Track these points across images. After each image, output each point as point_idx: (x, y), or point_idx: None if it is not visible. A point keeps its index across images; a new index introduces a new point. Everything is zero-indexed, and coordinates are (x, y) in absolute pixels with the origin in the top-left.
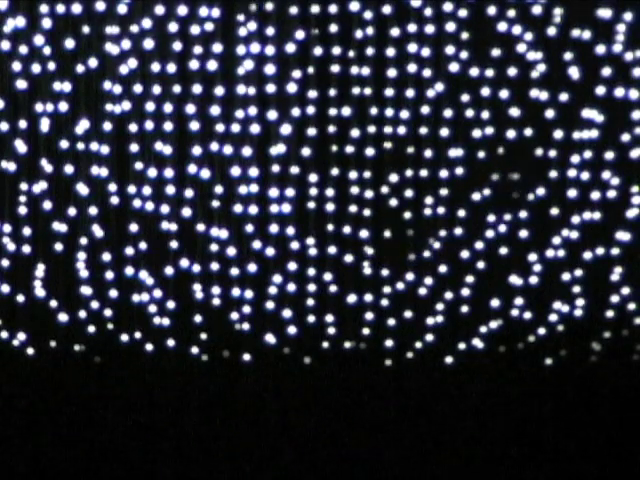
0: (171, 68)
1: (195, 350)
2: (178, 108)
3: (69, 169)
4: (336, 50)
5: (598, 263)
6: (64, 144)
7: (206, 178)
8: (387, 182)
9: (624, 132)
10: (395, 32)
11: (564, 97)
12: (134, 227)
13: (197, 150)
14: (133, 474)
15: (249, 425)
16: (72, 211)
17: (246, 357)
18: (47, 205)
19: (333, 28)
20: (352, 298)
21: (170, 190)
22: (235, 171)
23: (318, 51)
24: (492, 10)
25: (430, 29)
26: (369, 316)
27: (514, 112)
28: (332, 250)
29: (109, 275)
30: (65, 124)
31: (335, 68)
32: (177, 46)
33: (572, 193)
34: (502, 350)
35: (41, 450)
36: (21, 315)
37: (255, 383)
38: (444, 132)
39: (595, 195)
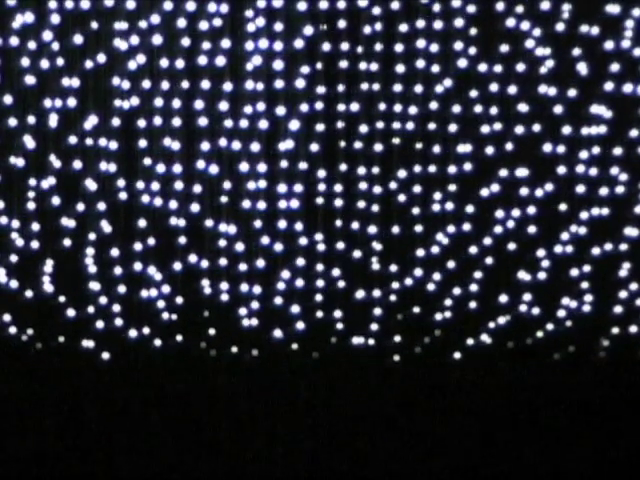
0: (179, 64)
1: (203, 345)
2: (186, 104)
3: (77, 165)
4: (344, 46)
5: (606, 259)
6: (72, 140)
7: (214, 174)
8: (395, 178)
9: (632, 128)
10: (403, 28)
11: (572, 93)
12: (142, 223)
13: (205, 146)
14: (140, 467)
15: (257, 420)
16: (80, 207)
17: (254, 352)
18: (55, 201)
19: (341, 24)
20: (360, 294)
21: (178, 186)
22: (243, 167)
23: (326, 47)
24: (500, 6)
25: (438, 25)
26: (377, 312)
27: (522, 108)
28: (340, 246)
29: (117, 271)
30: (73, 120)
31: (343, 64)
32: (185, 42)
33: (580, 189)
34: (510, 346)
35: (48, 444)
36: (29, 310)
37: (263, 378)
38: (452, 128)
39: (603, 191)
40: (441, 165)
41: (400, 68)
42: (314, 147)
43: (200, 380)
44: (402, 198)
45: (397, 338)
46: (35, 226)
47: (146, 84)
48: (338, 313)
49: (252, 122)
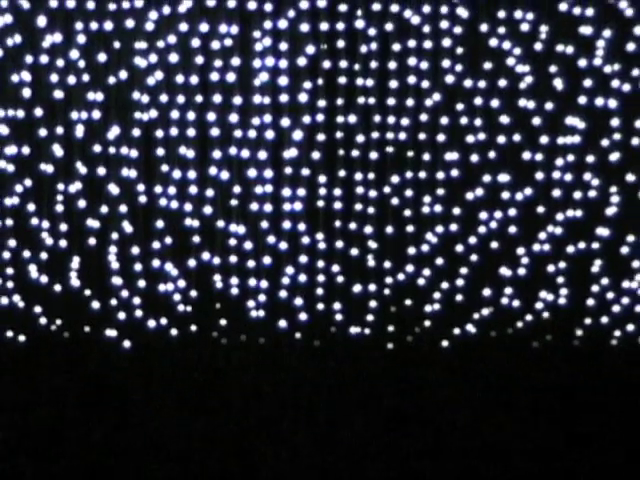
0: (194, 80)
1: (215, 334)
2: (200, 116)
3: (101, 171)
4: (343, 63)
5: (580, 256)
6: (97, 148)
7: (225, 179)
8: (389, 183)
9: (604, 138)
10: (396, 47)
11: (549, 106)
12: (160, 224)
13: (217, 154)
14: (156, 445)
15: (264, 402)
16: (104, 209)
17: (261, 341)
18: (81, 204)
19: (340, 43)
20: (357, 288)
21: (193, 190)
22: (251, 173)
23: (327, 64)
24: (484, 27)
25: (428, 44)
26: (373, 304)
27: (504, 120)
28: (339, 244)
29: (137, 267)
30: (98, 130)
31: (342, 80)
32: (199, 60)
33: (556, 193)
34: (493, 335)
35: (73, 425)
36: (58, 303)
37: (269, 364)
38: (441, 138)
39: (577, 195)
40: (430, 171)
41: (393, 83)
42: (315, 155)
43: (212, 366)
44: (395, 201)
45: (391, 328)
46: (63, 226)
47: (163, 98)
48: (337, 305)
49: (259, 132)
